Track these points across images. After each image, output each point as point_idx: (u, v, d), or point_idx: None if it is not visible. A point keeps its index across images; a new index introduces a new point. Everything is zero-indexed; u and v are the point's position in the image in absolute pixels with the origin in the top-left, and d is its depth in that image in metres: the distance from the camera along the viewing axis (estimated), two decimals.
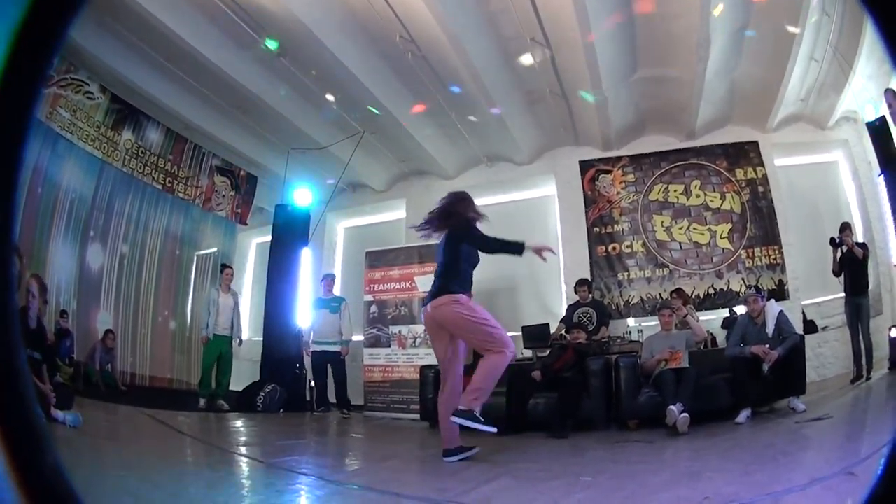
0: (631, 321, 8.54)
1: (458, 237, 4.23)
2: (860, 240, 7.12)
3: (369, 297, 8.57)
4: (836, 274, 6.93)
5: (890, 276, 7.35)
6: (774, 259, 8.33)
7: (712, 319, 7.99)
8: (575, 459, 4.19)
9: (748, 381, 5.35)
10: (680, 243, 8.81)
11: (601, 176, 9.32)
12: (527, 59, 7.14)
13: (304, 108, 8.22)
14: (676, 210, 8.92)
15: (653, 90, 8.02)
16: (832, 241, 6.86)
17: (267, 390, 7.74)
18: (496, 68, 7.33)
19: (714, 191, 8.79)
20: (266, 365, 8.29)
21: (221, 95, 7.95)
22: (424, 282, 7.42)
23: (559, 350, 6.35)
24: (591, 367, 5.83)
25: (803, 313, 7.79)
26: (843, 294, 6.99)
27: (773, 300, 6.16)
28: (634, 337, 7.57)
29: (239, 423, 6.38)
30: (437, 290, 4.14)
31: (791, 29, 6.51)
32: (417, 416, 6.68)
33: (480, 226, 4.29)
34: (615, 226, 9.12)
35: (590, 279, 8.43)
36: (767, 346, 5.44)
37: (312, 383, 8.19)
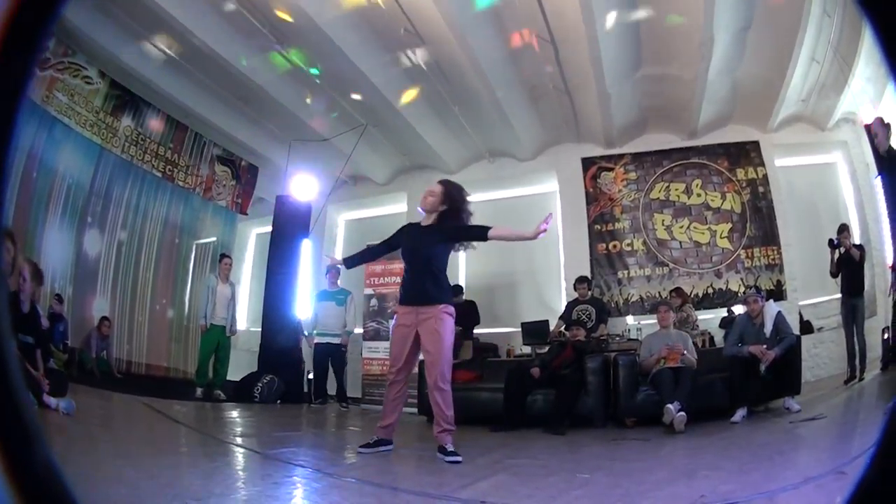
0: (630, 319, 8.57)
1: (459, 236, 4.12)
2: (857, 241, 7.13)
3: (369, 291, 8.57)
4: (834, 275, 6.95)
5: (885, 278, 7.37)
6: (773, 259, 8.34)
7: (710, 319, 8.01)
8: (572, 456, 4.20)
9: (745, 381, 5.38)
10: (680, 242, 8.81)
11: (603, 173, 9.31)
12: (530, 55, 7.13)
13: (307, 99, 8.19)
14: (677, 209, 8.92)
15: (655, 88, 8.01)
16: (830, 242, 6.87)
17: (265, 381, 7.72)
18: (500, 62, 7.30)
19: (715, 190, 8.78)
20: (264, 355, 8.28)
21: (224, 85, 7.93)
22: None
23: (558, 347, 6.36)
24: (589, 365, 5.83)
25: (800, 314, 7.80)
26: (839, 295, 7.01)
27: (771, 300, 6.18)
28: (633, 335, 7.58)
29: (235, 414, 6.37)
30: (432, 297, 3.92)
31: (793, 29, 6.50)
32: (415, 410, 6.68)
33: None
34: (616, 223, 9.12)
35: (589, 276, 8.42)
36: (765, 346, 5.45)
37: (311, 375, 8.19)
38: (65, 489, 0.94)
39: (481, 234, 3.97)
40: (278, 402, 7.72)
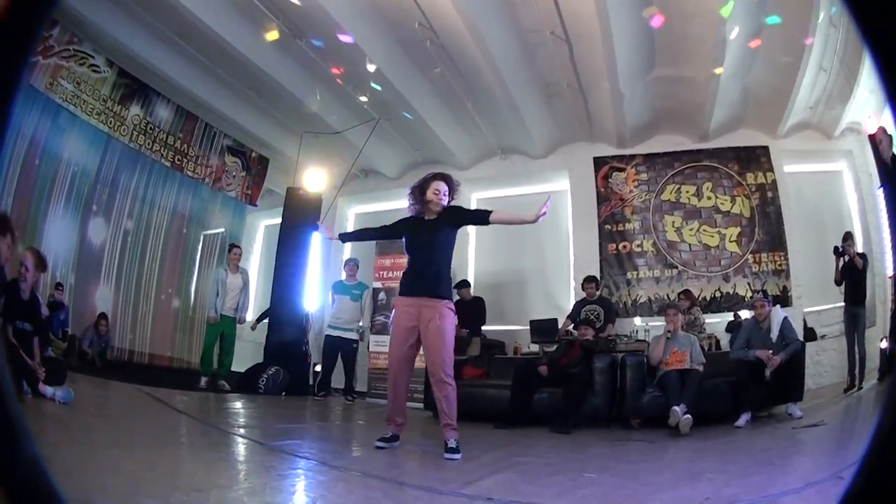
0: (638, 320, 8.55)
1: (463, 221, 4.18)
2: (860, 250, 7.10)
3: (378, 285, 8.55)
4: (838, 283, 6.94)
5: (885, 288, 7.34)
6: (780, 265, 8.32)
7: (717, 322, 7.98)
8: (577, 456, 4.18)
9: (750, 385, 5.39)
10: (690, 245, 8.79)
11: (614, 173, 9.29)
12: (545, 52, 7.10)
13: (319, 91, 8.17)
14: (688, 211, 8.89)
15: (668, 90, 7.98)
16: (836, 250, 6.86)
17: (270, 372, 7.74)
18: (514, 60, 7.29)
19: (725, 194, 8.76)
20: (270, 347, 8.29)
21: (235, 75, 7.93)
22: None
23: (566, 346, 6.37)
24: (597, 365, 5.83)
25: (804, 321, 7.77)
26: (842, 304, 7.01)
27: (778, 306, 6.22)
28: (641, 336, 7.56)
29: (239, 405, 6.36)
30: (436, 290, 3.92)
31: (802, 38, 6.50)
32: (421, 405, 6.67)
33: None
34: (626, 224, 9.10)
35: (598, 276, 8.40)
36: (771, 351, 5.46)
37: (318, 367, 8.19)
38: (50, 486, 0.92)
39: (484, 217, 4.05)
40: (283, 393, 7.73)
